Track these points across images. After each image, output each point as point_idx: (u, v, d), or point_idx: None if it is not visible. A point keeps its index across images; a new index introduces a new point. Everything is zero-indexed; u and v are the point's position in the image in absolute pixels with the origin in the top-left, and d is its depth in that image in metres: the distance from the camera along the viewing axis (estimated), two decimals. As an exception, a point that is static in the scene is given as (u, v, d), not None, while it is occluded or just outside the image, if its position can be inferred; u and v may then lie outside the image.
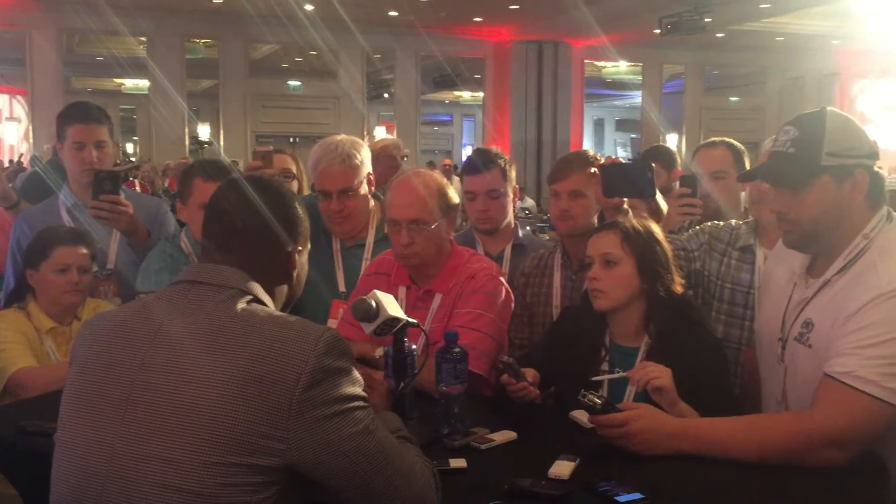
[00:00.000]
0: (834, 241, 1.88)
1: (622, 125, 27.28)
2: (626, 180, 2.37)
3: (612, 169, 2.41)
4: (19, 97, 15.70)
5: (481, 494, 1.62)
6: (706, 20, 12.90)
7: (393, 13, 13.62)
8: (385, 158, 4.41)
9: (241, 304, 1.44)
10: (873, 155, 1.87)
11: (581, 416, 1.97)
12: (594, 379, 2.06)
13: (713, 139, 3.08)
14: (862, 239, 1.85)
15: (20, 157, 14.05)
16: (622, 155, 27.18)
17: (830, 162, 1.82)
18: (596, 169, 2.40)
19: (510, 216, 3.04)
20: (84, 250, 2.63)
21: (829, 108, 1.89)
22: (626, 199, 2.36)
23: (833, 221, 1.86)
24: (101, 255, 2.94)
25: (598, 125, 27.72)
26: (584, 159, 2.66)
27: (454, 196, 2.47)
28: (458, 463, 1.77)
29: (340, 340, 1.43)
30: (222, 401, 1.32)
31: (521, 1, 13.20)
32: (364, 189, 2.82)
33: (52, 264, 2.58)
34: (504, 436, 1.94)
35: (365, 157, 2.83)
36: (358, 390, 1.43)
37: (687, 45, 16.18)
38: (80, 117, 2.95)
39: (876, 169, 1.88)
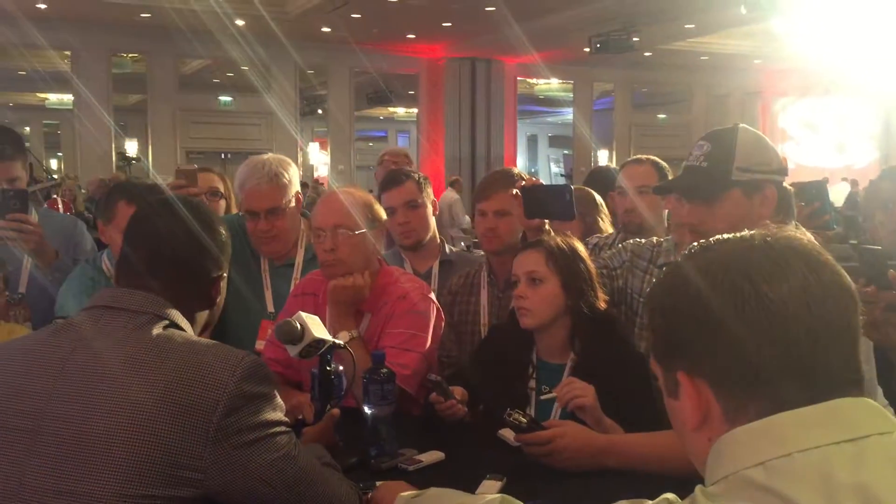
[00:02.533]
0: None
1: (555, 141, 27.69)
2: (547, 202, 2.40)
3: (533, 191, 2.44)
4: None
5: (407, 517, 1.61)
6: (634, 39, 13.25)
7: (325, 29, 13.59)
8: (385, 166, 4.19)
9: (157, 330, 1.41)
10: (782, 171, 1.95)
11: (508, 434, 1.98)
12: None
13: (639, 156, 3.16)
14: None
15: None
16: (555, 170, 27.59)
17: (741, 177, 1.88)
18: (517, 191, 2.43)
19: (433, 230, 3.06)
20: None
21: (740, 125, 1.96)
22: (546, 221, 2.39)
23: None
24: (13, 279, 2.83)
25: (532, 141, 28.08)
26: (508, 178, 2.69)
27: (381, 211, 2.47)
28: (384, 485, 1.75)
29: (260, 366, 1.41)
30: (136, 430, 1.28)
31: (454, 18, 13.32)
32: (293, 208, 2.80)
33: None
34: (432, 456, 1.95)
35: (293, 176, 2.81)
36: (279, 416, 1.41)
37: (616, 64, 16.56)
38: None
39: (785, 185, 1.95)
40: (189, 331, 1.49)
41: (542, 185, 2.50)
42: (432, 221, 3.06)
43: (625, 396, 2.08)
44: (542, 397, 2.16)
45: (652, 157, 3.18)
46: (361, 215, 2.38)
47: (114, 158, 13.84)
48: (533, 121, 25.46)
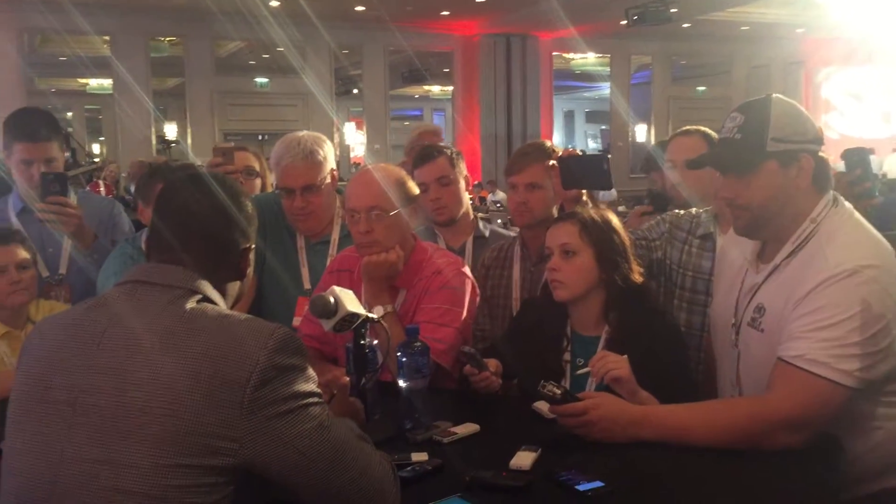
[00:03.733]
0: (782, 226, 1.90)
1: (592, 117, 27.37)
2: (584, 172, 2.38)
3: (569, 161, 2.42)
4: (-20, 99, 15.44)
5: (442, 487, 1.62)
6: (672, 11, 13.00)
7: (360, 8, 13.56)
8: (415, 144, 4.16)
9: (190, 304, 1.42)
10: (818, 140, 1.90)
11: (543, 406, 1.98)
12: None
13: (688, 128, 3.09)
14: (809, 223, 1.87)
15: None
16: (592, 146, 27.31)
17: (776, 147, 1.85)
18: (554, 161, 2.40)
19: (466, 206, 3.05)
20: (18, 247, 2.57)
21: (774, 95, 1.92)
22: (584, 191, 2.37)
23: (780, 207, 1.88)
24: (54, 260, 2.90)
25: (568, 117, 27.80)
26: (540, 151, 2.67)
27: (414, 188, 2.46)
28: (420, 457, 1.77)
29: (292, 338, 1.42)
30: (171, 402, 1.31)
31: (489, -7, 13.21)
32: (328, 185, 2.81)
33: None
34: (467, 428, 1.95)
35: (328, 153, 2.82)
36: (312, 387, 1.42)
37: (654, 36, 16.29)
38: (28, 136, 2.85)
39: (821, 154, 1.91)
40: (221, 304, 1.51)
41: (578, 155, 2.47)
42: (465, 197, 3.05)
43: (660, 368, 2.06)
44: (577, 372, 2.16)
45: (702, 128, 3.11)
46: (395, 194, 2.37)
47: (153, 142, 14.02)
48: (569, 96, 25.17)
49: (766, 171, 1.86)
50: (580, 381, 2.16)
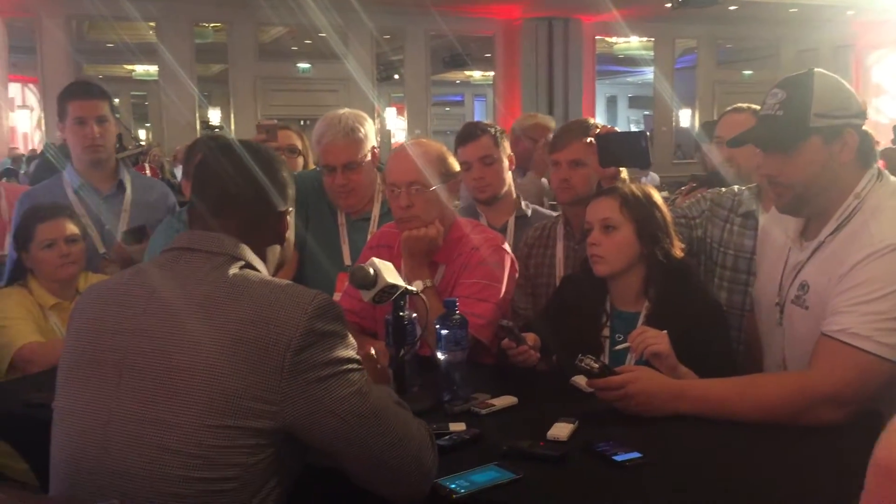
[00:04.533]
0: (826, 202, 1.87)
1: (635, 102, 27.05)
2: (622, 150, 2.37)
3: (607, 139, 2.40)
4: (31, 85, 15.77)
5: (480, 456, 1.63)
6: (718, -7, 12.78)
7: (401, -8, 13.56)
8: (527, 140, 4.16)
9: (233, 270, 1.45)
10: (861, 114, 1.87)
11: (581, 381, 1.98)
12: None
13: (739, 105, 3.04)
14: (853, 199, 1.84)
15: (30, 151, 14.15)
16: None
17: (819, 123, 1.81)
18: (592, 139, 2.39)
19: (509, 185, 3.05)
20: (67, 222, 2.65)
21: (816, 70, 1.88)
22: (623, 169, 2.35)
23: (824, 183, 1.85)
24: (111, 237, 2.98)
25: (611, 102, 27.51)
26: (583, 128, 2.65)
27: (454, 163, 2.47)
28: (457, 427, 1.78)
29: (332, 304, 1.44)
30: (214, 365, 1.34)
31: (530, -23, 13.10)
32: (368, 162, 2.83)
33: (39, 242, 2.60)
34: (505, 401, 1.96)
35: (369, 131, 2.84)
36: (351, 353, 1.44)
37: (699, 19, 16.01)
38: (80, 93, 3.00)
39: (864, 128, 1.87)
40: (263, 270, 1.53)
41: (616, 132, 2.46)
42: (508, 176, 3.05)
43: (701, 344, 2.05)
44: (616, 348, 2.15)
45: (753, 106, 3.05)
46: (435, 169, 2.38)
47: (198, 127, 14.19)
48: (612, 81, 24.90)
49: (810, 148, 1.83)
50: (619, 357, 2.15)
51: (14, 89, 15.53)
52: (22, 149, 14.24)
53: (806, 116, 1.81)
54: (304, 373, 1.36)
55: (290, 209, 1.63)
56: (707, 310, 2.18)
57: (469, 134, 3.01)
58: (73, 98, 2.98)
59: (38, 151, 11.33)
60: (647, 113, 24.18)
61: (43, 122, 14.20)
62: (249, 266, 1.50)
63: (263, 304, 1.38)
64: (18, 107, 15.41)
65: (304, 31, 14.74)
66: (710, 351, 2.07)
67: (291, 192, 1.64)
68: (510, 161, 3.04)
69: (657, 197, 2.23)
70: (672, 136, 17.85)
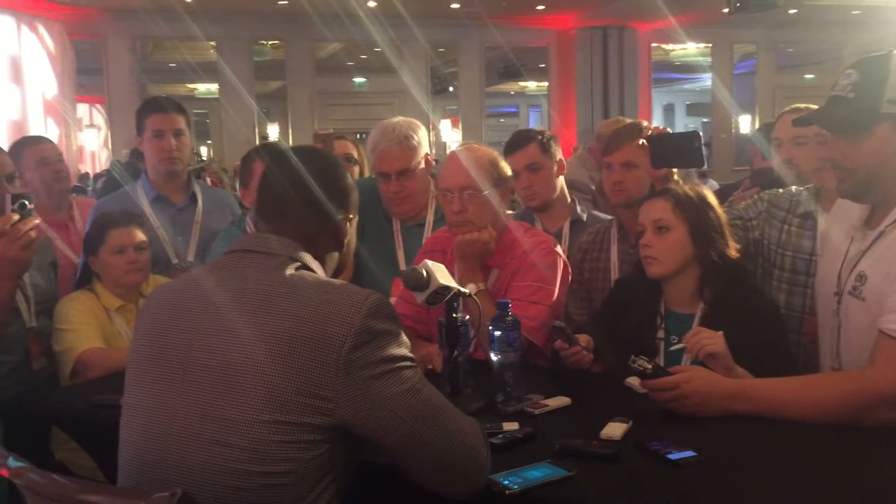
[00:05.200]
0: (889, 191, 1.82)
1: (693, 109, 26.70)
2: (675, 151, 2.36)
3: (659, 140, 2.40)
4: (98, 106, 16.32)
5: (533, 454, 1.64)
6: (776, -4, 12.54)
7: (455, 5, 13.65)
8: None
9: (290, 271, 1.49)
10: None
11: (636, 382, 1.97)
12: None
13: (797, 105, 3.00)
14: None
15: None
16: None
17: (891, 109, 1.75)
18: (644, 140, 2.39)
19: (561, 190, 3.05)
20: (137, 230, 2.73)
21: (895, 51, 1.81)
22: (675, 170, 2.34)
23: (889, 171, 1.80)
24: (183, 248, 3.08)
25: (668, 110, 27.21)
26: (636, 130, 2.65)
27: (506, 168, 2.49)
28: (510, 426, 1.79)
29: (386, 304, 1.47)
30: (271, 362, 1.38)
31: (584, -14, 13.07)
32: (422, 169, 2.87)
33: (110, 247, 2.68)
34: (558, 401, 1.97)
35: (422, 138, 2.88)
36: (405, 351, 1.47)
37: (758, 24, 15.74)
38: (159, 108, 3.13)
39: None
40: (320, 272, 1.57)
41: (668, 133, 2.45)
42: (559, 182, 3.04)
43: (757, 345, 2.03)
44: (671, 348, 2.14)
45: (811, 106, 3.02)
46: (487, 174, 2.41)
47: (257, 142, 14.48)
48: (669, 88, 24.64)
49: (879, 135, 1.77)
50: (675, 359, 2.14)
51: (82, 110, 16.06)
52: (89, 166, 14.71)
53: (878, 102, 1.75)
54: (358, 370, 1.39)
55: (351, 215, 1.66)
56: (763, 310, 2.15)
57: (515, 143, 3.03)
58: (152, 112, 3.11)
59: (105, 170, 11.70)
60: (705, 120, 23.83)
61: (109, 140, 14.67)
62: (306, 268, 1.54)
63: (318, 303, 1.42)
64: (86, 126, 15.94)
65: (359, 47, 14.97)
66: (767, 352, 2.04)
67: (353, 198, 1.68)
68: (560, 167, 3.04)
69: (711, 198, 2.21)
70: (731, 143, 17.56)
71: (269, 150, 2.73)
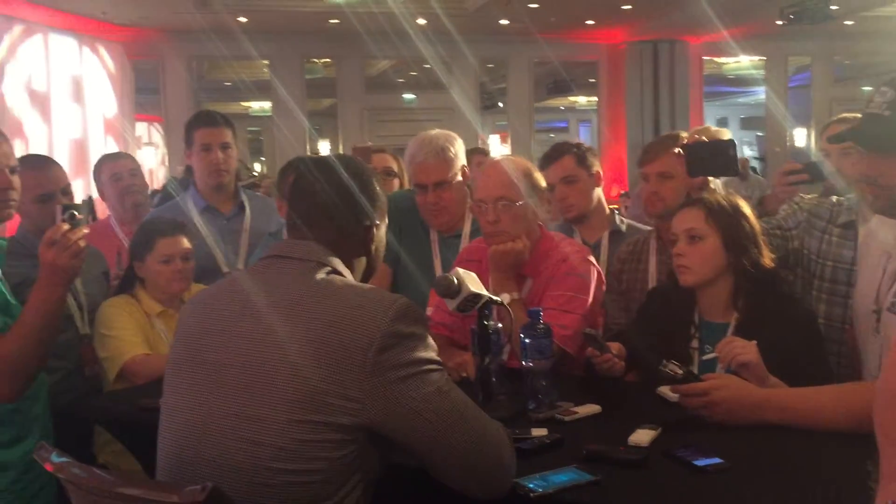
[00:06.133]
0: None
1: (747, 123, 26.29)
2: (710, 159, 2.36)
3: (695, 148, 2.40)
4: (156, 124, 16.76)
5: (560, 460, 1.66)
6: (832, 7, 12.33)
7: (503, 21, 13.72)
8: None
9: (320, 275, 1.54)
10: None
11: (668, 391, 1.97)
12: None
13: (845, 115, 2.96)
14: None
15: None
16: (748, 153, 26.25)
17: None
18: (679, 149, 2.39)
19: (598, 201, 3.06)
20: (184, 240, 2.80)
21: None
22: (711, 178, 2.34)
23: None
24: (232, 256, 3.17)
25: (722, 124, 26.71)
26: (671, 141, 2.65)
27: (541, 179, 2.51)
28: (539, 432, 1.81)
29: (412, 307, 1.50)
30: (301, 363, 1.42)
31: (634, 0, 13.01)
32: (459, 181, 2.91)
33: (157, 255, 2.75)
34: (589, 409, 1.98)
35: (459, 150, 2.92)
36: (431, 354, 1.50)
37: (813, 36, 15.46)
38: (206, 122, 3.24)
39: None
40: (349, 276, 1.61)
41: (703, 141, 2.45)
42: (596, 193, 3.06)
43: (792, 357, 2.01)
44: (704, 357, 2.14)
45: (858, 115, 2.99)
46: (521, 185, 2.43)
47: (306, 159, 14.74)
48: (722, 102, 24.31)
49: None
50: (708, 368, 2.13)
51: (140, 128, 16.51)
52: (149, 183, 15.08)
53: None
54: (385, 372, 1.43)
55: (378, 222, 1.71)
56: (799, 320, 2.14)
57: (550, 155, 3.06)
58: (200, 126, 3.22)
59: (161, 187, 12.00)
60: (759, 134, 23.47)
61: (167, 158, 15.06)
62: (335, 272, 1.58)
63: (347, 307, 1.46)
64: (144, 144, 16.38)
65: (408, 64, 15.12)
66: (802, 362, 2.02)
67: (381, 205, 1.72)
68: (597, 177, 3.05)
69: (745, 207, 2.21)
70: (786, 156, 17.24)
71: (301, 161, 2.79)
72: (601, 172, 3.09)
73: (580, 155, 3.00)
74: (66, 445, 2.25)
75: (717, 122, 26.07)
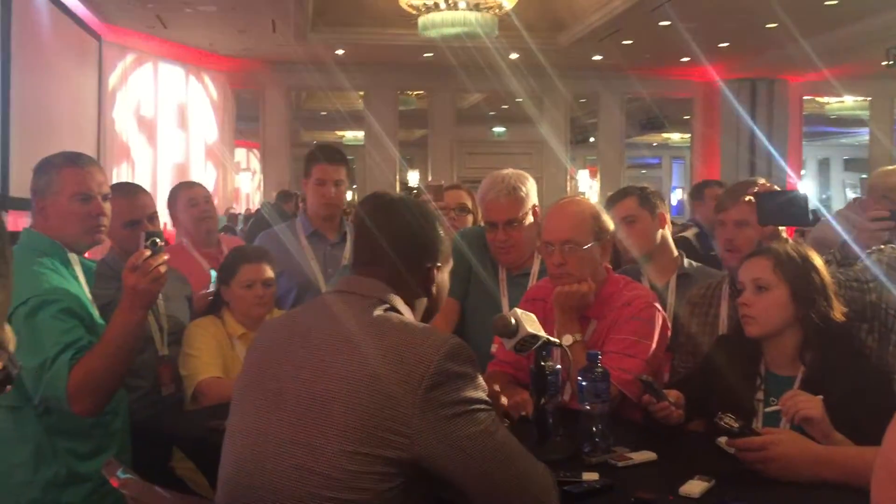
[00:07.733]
0: None
1: (851, 165, 25.40)
2: (782, 209, 2.32)
3: (767, 197, 2.37)
4: (255, 151, 17.40)
5: (607, 506, 1.66)
6: (940, 47, 11.88)
7: (597, 57, 13.72)
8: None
9: (378, 312, 1.60)
10: None
11: (725, 443, 1.94)
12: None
13: None
14: None
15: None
16: (851, 196, 25.29)
17: None
18: (751, 197, 2.37)
19: (663, 243, 3.04)
20: (267, 268, 2.92)
21: None
22: (782, 228, 2.30)
23: None
24: (314, 286, 3.27)
25: (824, 165, 26.00)
26: (748, 188, 2.62)
27: (608, 222, 2.52)
28: (590, 476, 1.81)
29: (464, 348, 1.54)
30: (355, 396, 1.47)
31: (731, 38, 12.82)
32: (529, 220, 2.94)
33: (240, 281, 2.87)
34: (644, 455, 1.96)
35: (530, 190, 2.96)
36: (480, 395, 1.53)
37: (921, 75, 14.90)
38: (325, 158, 3.38)
39: None
40: (408, 315, 1.66)
41: (775, 190, 2.42)
42: (658, 234, 3.03)
43: (861, 414, 1.94)
44: (767, 409, 2.09)
45: None
46: (588, 228, 2.44)
47: (397, 188, 15.00)
48: (824, 142, 23.60)
49: None
50: (772, 421, 2.08)
51: (239, 154, 17.17)
52: (243, 207, 15.65)
53: None
54: (434, 409, 1.47)
55: (440, 265, 1.75)
56: (870, 377, 2.07)
57: (615, 197, 3.09)
58: (318, 162, 3.37)
59: (254, 211, 12.44)
60: (863, 176, 22.62)
61: (262, 184, 15.58)
62: (394, 310, 1.64)
63: (400, 343, 1.51)
64: (242, 170, 17.00)
65: (499, 97, 15.27)
66: (870, 420, 1.95)
67: (445, 248, 1.76)
68: (661, 219, 3.03)
69: (816, 259, 2.16)
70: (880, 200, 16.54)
71: (367, 202, 2.87)
72: (666, 215, 3.07)
73: (643, 196, 3.00)
74: (144, 460, 2.39)
75: (819, 164, 25.33)
